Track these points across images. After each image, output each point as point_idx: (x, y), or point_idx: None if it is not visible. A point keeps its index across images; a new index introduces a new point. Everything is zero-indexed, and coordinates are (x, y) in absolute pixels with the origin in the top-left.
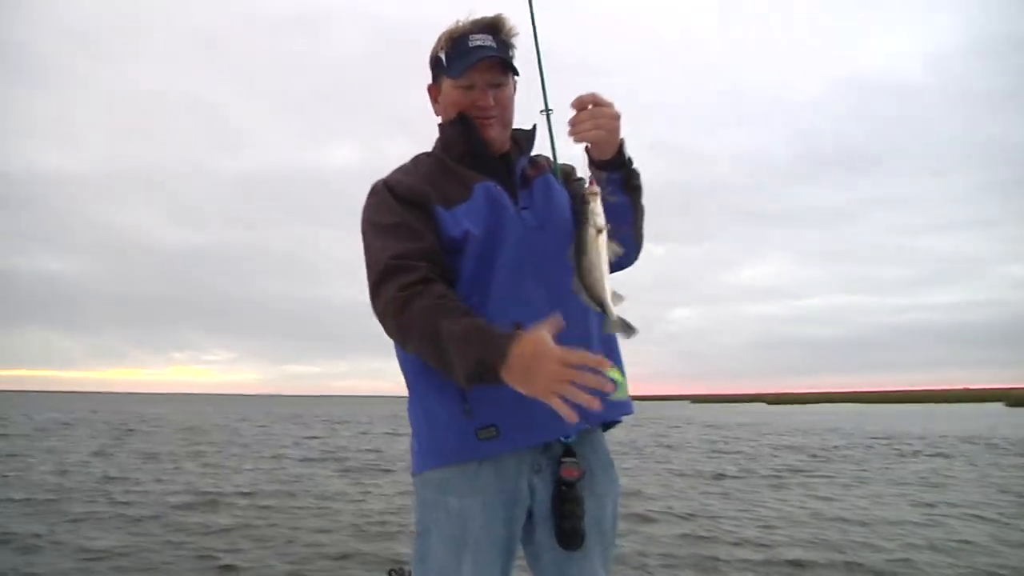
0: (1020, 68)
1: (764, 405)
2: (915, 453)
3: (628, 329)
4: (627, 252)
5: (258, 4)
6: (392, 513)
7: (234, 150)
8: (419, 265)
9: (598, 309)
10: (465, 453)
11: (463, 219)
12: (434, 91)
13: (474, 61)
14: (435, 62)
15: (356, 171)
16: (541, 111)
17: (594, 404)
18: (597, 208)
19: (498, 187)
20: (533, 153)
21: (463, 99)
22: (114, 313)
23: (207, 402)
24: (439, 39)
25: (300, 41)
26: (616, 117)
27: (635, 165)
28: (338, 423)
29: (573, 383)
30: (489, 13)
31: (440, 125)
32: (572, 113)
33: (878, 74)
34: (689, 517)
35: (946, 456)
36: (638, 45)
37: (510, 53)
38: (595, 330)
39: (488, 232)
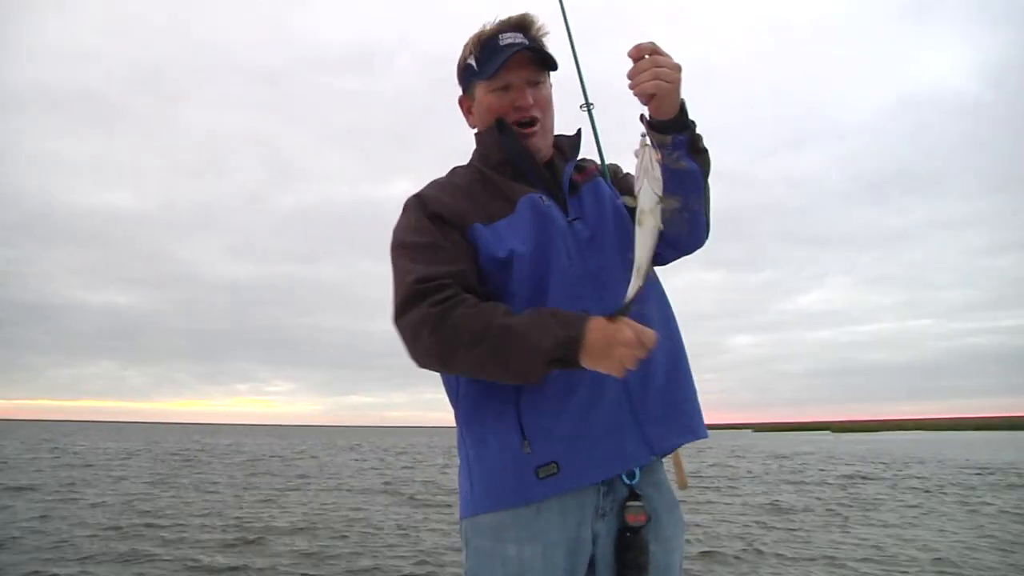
0: None
1: (829, 433)
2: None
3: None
4: (696, 230)
5: (316, 43)
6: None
7: (292, 185)
8: (449, 284)
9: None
10: (524, 493)
11: (507, 237)
12: (465, 102)
13: (507, 56)
14: (464, 70)
15: None
16: (581, 106)
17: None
18: (650, 165)
19: (545, 198)
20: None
21: (500, 102)
22: (178, 345)
23: (269, 433)
24: (466, 46)
25: (356, 78)
26: (678, 68)
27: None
28: (400, 452)
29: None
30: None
31: (477, 134)
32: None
33: (932, 92)
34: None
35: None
36: (688, 70)
37: (549, 56)
38: (662, 347)
39: (538, 249)
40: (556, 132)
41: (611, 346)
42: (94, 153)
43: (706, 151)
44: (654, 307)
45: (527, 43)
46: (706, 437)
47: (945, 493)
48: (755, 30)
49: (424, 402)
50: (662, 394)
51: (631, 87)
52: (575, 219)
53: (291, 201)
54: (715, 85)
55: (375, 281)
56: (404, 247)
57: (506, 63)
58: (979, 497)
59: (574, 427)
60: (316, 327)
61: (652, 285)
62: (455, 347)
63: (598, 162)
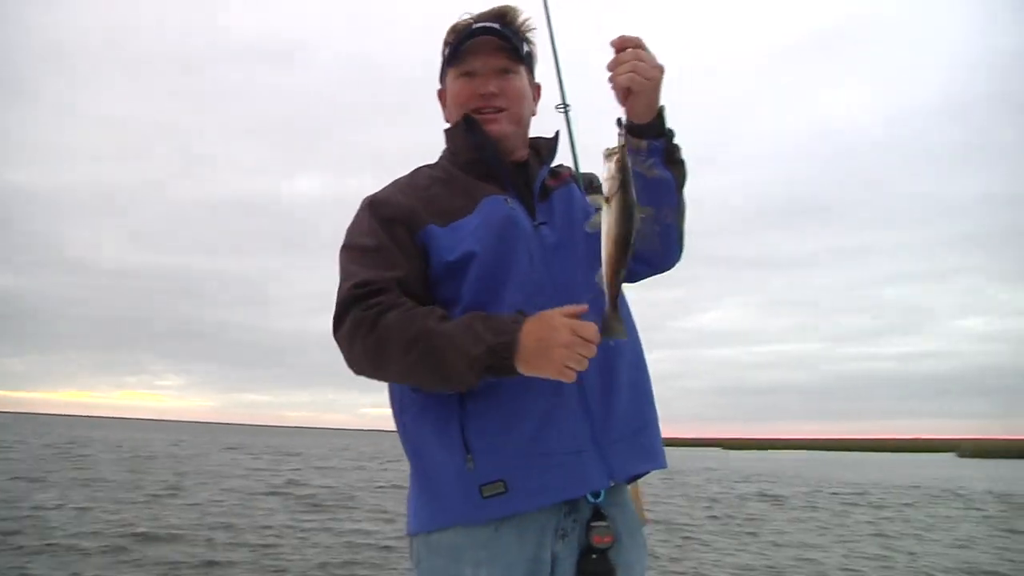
0: (976, 128)
1: (720, 450)
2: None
3: (614, 331)
4: (669, 245)
5: (233, 34)
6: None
7: (199, 176)
8: (387, 288)
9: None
10: (467, 513)
11: (463, 238)
12: (442, 95)
13: (467, 37)
14: (441, 61)
15: (321, 203)
16: (557, 107)
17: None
18: (620, 167)
19: (511, 200)
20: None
21: (465, 89)
22: (66, 334)
23: (156, 428)
24: (444, 37)
25: (272, 71)
26: (660, 69)
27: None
28: (290, 455)
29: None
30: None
31: (446, 131)
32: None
33: (836, 128)
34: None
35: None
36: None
37: (523, 47)
38: (626, 364)
39: (496, 253)
40: (536, 135)
41: (548, 348)
42: None
43: (682, 162)
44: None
45: (497, 28)
46: (666, 467)
47: (821, 509)
48: (670, 57)
49: (325, 403)
50: (626, 417)
51: (609, 79)
52: (541, 224)
53: (198, 191)
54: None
55: (280, 278)
56: (349, 250)
57: (470, 46)
58: (854, 515)
59: (528, 443)
60: (215, 322)
61: (620, 302)
62: (386, 352)
63: (574, 169)
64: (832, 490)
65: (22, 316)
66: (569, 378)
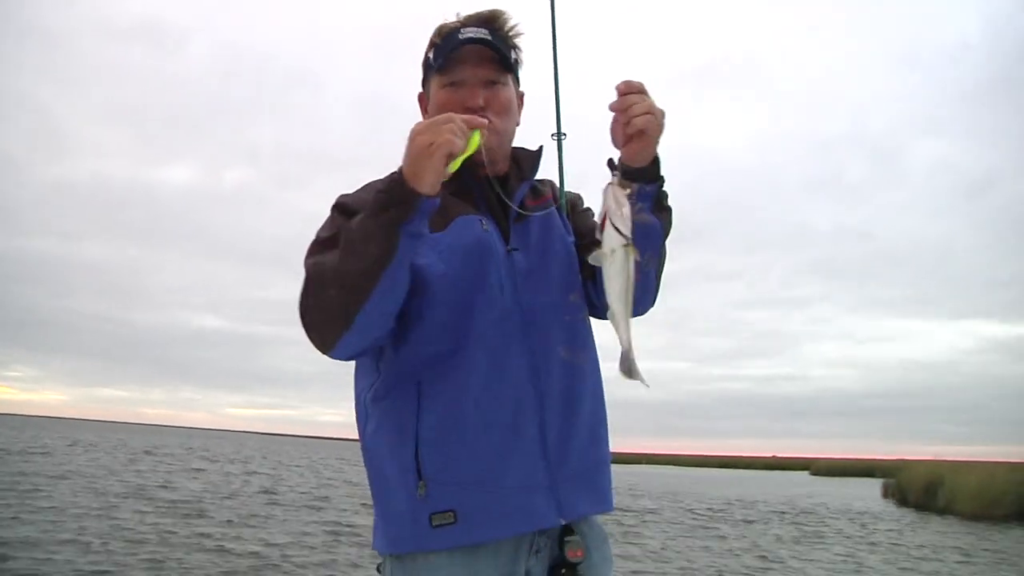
0: (832, 164)
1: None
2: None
3: (636, 373)
4: (644, 293)
5: (104, 8)
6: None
7: (60, 155)
8: None
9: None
10: (417, 541)
11: (431, 249)
12: (423, 99)
13: (455, 46)
14: (424, 64)
15: (191, 196)
16: (552, 135)
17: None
18: (618, 204)
19: (485, 221)
20: (538, 177)
21: (449, 99)
22: None
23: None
24: (430, 38)
25: (144, 53)
26: (663, 114)
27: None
28: (146, 454)
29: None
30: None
31: None
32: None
33: (706, 151)
34: None
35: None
36: None
37: (512, 55)
38: (588, 393)
39: (464, 276)
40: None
41: (412, 143)
42: None
43: (670, 210)
44: (586, 355)
45: (487, 39)
46: (612, 510)
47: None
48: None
49: (181, 401)
50: (581, 454)
51: (621, 120)
52: (515, 249)
53: (57, 172)
54: None
55: (143, 268)
56: (313, 243)
57: (457, 55)
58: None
59: (481, 473)
60: (71, 311)
61: (587, 333)
62: (327, 269)
63: (557, 185)
64: (709, 505)
65: None
66: (456, 148)
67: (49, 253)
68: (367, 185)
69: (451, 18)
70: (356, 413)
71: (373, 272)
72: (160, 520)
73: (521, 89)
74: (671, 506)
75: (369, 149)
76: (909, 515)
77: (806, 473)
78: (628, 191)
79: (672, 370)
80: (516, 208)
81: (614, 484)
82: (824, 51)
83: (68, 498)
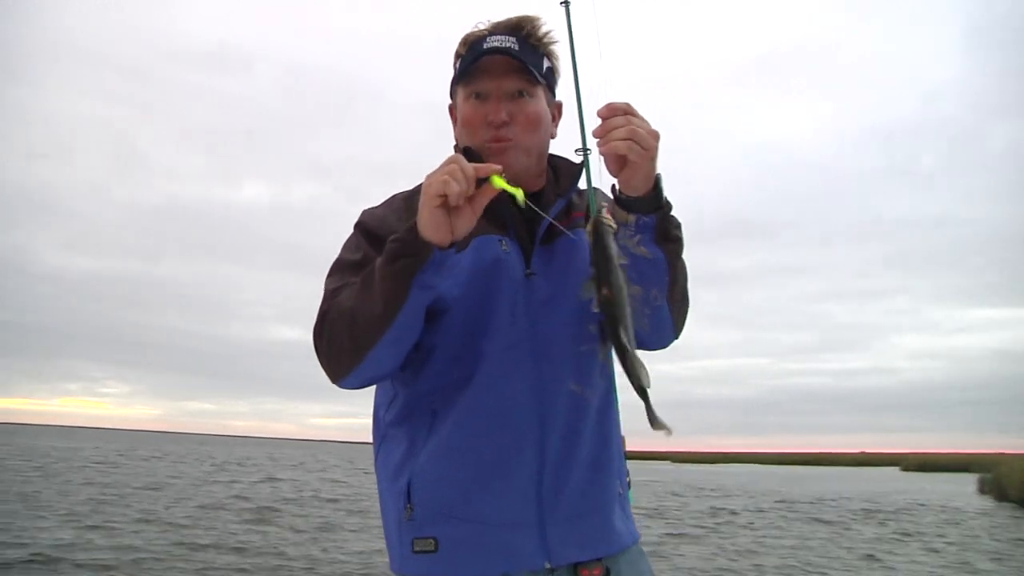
0: (899, 153)
1: (670, 463)
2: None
3: (659, 424)
4: (659, 328)
5: (177, 39)
6: None
7: (140, 179)
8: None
9: (635, 384)
10: (401, 564)
11: (448, 271)
12: (453, 111)
13: (477, 57)
14: (453, 75)
15: (265, 212)
16: (576, 151)
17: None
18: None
19: (507, 243)
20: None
21: (473, 113)
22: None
23: (98, 437)
24: (457, 47)
25: (214, 77)
26: (656, 136)
27: (674, 211)
28: (239, 464)
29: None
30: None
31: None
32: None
33: (773, 146)
34: None
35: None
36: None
37: (543, 63)
38: (590, 435)
39: (477, 300)
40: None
41: (424, 194)
42: None
43: (679, 240)
44: (597, 389)
45: (513, 48)
46: (629, 546)
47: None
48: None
49: (267, 412)
50: (580, 495)
51: (599, 146)
52: (533, 273)
53: (138, 195)
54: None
55: (222, 284)
56: (335, 264)
57: (479, 65)
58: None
59: (467, 504)
60: (158, 328)
61: (601, 366)
62: (343, 316)
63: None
64: (799, 502)
65: None
66: (443, 195)
67: (133, 273)
68: (391, 199)
69: (481, 25)
70: (373, 431)
71: (384, 319)
72: (259, 528)
73: (559, 99)
74: (760, 504)
75: (431, 153)
76: (1010, 511)
77: (896, 469)
78: (626, 221)
79: (750, 366)
80: (541, 231)
81: (702, 484)
82: (889, 35)
83: (160, 507)
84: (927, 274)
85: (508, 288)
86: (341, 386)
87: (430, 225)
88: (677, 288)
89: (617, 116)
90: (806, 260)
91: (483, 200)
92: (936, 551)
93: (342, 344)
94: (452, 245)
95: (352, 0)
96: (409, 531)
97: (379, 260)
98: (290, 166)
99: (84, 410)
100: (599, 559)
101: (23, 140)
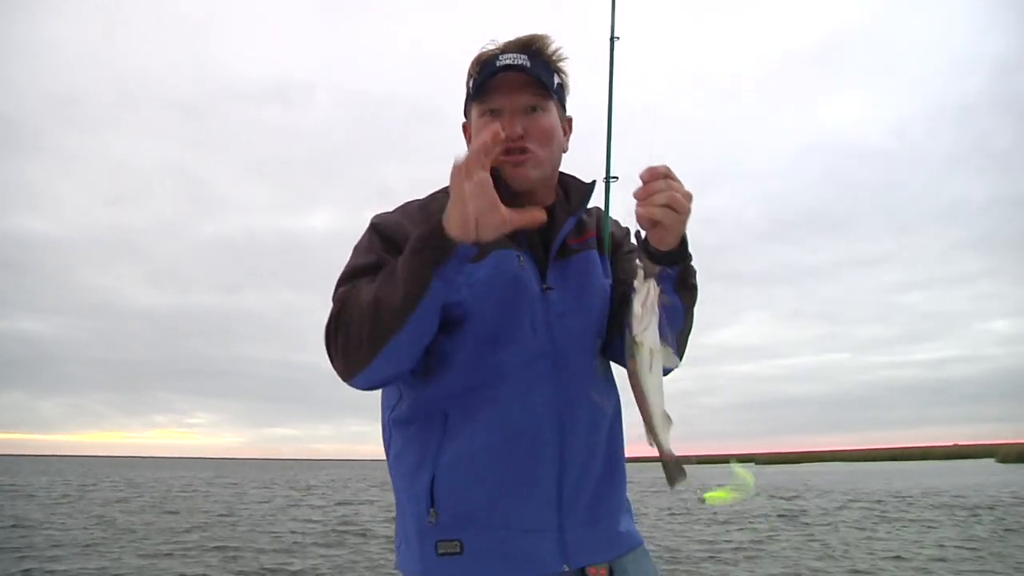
0: (976, 132)
1: (754, 465)
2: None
3: (680, 474)
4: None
5: (235, 75)
6: None
7: (212, 215)
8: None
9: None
10: (424, 566)
11: (464, 282)
12: (467, 129)
13: (490, 74)
14: (466, 93)
15: (334, 237)
16: (603, 179)
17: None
18: (648, 321)
19: (523, 257)
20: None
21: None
22: (94, 376)
23: (189, 466)
24: (469, 67)
25: (274, 110)
26: (690, 198)
27: (693, 260)
28: (329, 488)
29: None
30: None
31: None
32: (637, 183)
33: (838, 139)
34: None
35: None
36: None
37: (553, 79)
38: (603, 444)
39: (496, 315)
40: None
41: (458, 197)
42: (4, 178)
43: (695, 287)
44: (604, 397)
45: (525, 64)
46: (634, 548)
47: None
48: (675, 79)
49: (350, 435)
50: (595, 500)
51: (638, 207)
52: (550, 288)
53: (211, 230)
54: (628, 132)
55: (297, 312)
56: (347, 271)
57: (492, 82)
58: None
59: (491, 512)
60: (238, 358)
61: (604, 377)
62: (358, 314)
63: (601, 221)
64: (888, 498)
65: (48, 361)
66: (469, 179)
67: (213, 306)
68: (406, 205)
69: (491, 44)
70: (382, 432)
71: (404, 310)
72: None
73: (569, 114)
74: (849, 502)
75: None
76: None
77: (991, 461)
78: (654, 273)
79: (832, 362)
80: (556, 248)
81: (790, 485)
82: (949, 11)
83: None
84: (1010, 257)
85: (526, 304)
86: (352, 384)
87: (456, 223)
88: (687, 328)
89: (658, 181)
90: (883, 250)
91: (520, 224)
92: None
93: (360, 336)
94: (475, 245)
95: (402, 23)
96: (432, 534)
97: (403, 254)
98: (357, 192)
99: (173, 441)
100: (597, 564)
101: (102, 186)
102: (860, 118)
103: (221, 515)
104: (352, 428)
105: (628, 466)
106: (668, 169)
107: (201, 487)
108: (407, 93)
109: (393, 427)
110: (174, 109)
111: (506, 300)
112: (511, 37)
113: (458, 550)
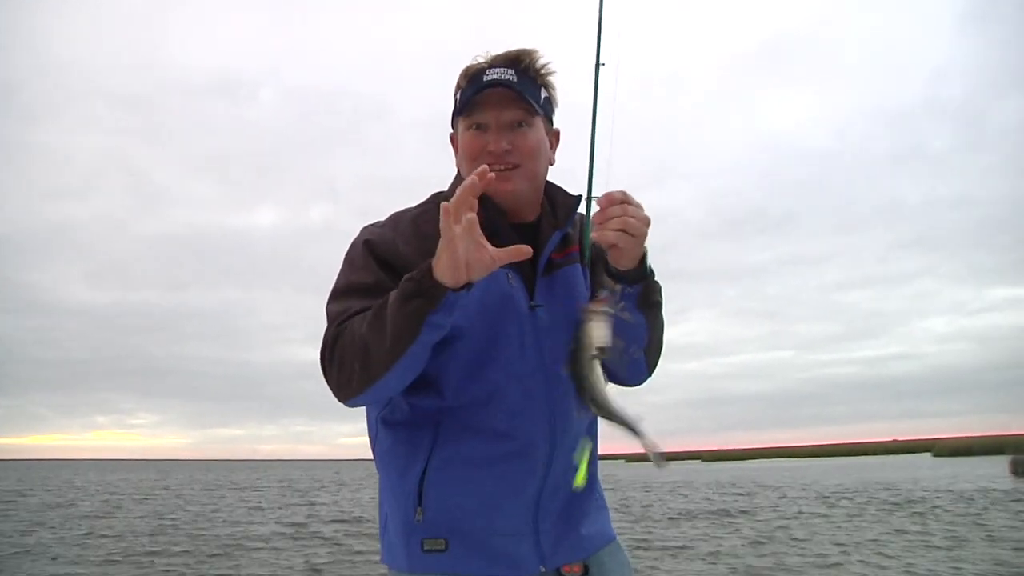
0: (913, 135)
1: (700, 463)
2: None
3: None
4: (636, 373)
5: (181, 68)
6: None
7: (155, 211)
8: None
9: (623, 428)
10: (410, 562)
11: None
12: (454, 140)
13: (477, 90)
14: (453, 105)
15: (281, 235)
16: (586, 199)
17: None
18: (598, 329)
19: (511, 275)
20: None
21: (474, 143)
22: (30, 377)
23: (131, 468)
24: (457, 79)
25: (221, 105)
26: (646, 222)
27: (656, 277)
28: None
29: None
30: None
31: (453, 183)
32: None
33: (782, 139)
34: None
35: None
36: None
37: (540, 94)
38: (594, 448)
39: (486, 334)
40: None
41: (446, 242)
42: None
43: (658, 304)
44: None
45: (512, 80)
46: (608, 543)
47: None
48: (622, 79)
49: (294, 435)
50: (568, 503)
51: (593, 232)
52: (538, 305)
53: (155, 226)
54: (577, 128)
55: (242, 310)
56: (341, 287)
57: (479, 98)
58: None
59: (477, 510)
60: (182, 356)
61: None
62: (354, 349)
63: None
64: (832, 494)
65: None
66: (458, 222)
67: (156, 303)
68: (397, 219)
69: (480, 58)
70: (368, 425)
71: (393, 354)
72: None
73: (556, 127)
74: (795, 497)
75: (441, 168)
76: None
77: (928, 455)
78: (615, 291)
79: (775, 360)
80: (544, 260)
81: (731, 481)
82: (888, 19)
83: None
84: (947, 256)
85: (516, 320)
86: (347, 405)
87: (447, 268)
88: (654, 342)
89: (614, 207)
90: (825, 249)
91: (507, 260)
92: (953, 536)
93: (352, 371)
94: (466, 287)
95: (351, 19)
96: (418, 532)
97: (393, 297)
98: (303, 188)
99: (115, 442)
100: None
101: (42, 179)
102: (804, 119)
103: (161, 518)
104: (297, 428)
105: (608, 463)
106: (625, 194)
107: (143, 489)
108: (355, 89)
109: (382, 424)
110: (117, 101)
111: (497, 320)
112: (500, 51)
113: (443, 547)
